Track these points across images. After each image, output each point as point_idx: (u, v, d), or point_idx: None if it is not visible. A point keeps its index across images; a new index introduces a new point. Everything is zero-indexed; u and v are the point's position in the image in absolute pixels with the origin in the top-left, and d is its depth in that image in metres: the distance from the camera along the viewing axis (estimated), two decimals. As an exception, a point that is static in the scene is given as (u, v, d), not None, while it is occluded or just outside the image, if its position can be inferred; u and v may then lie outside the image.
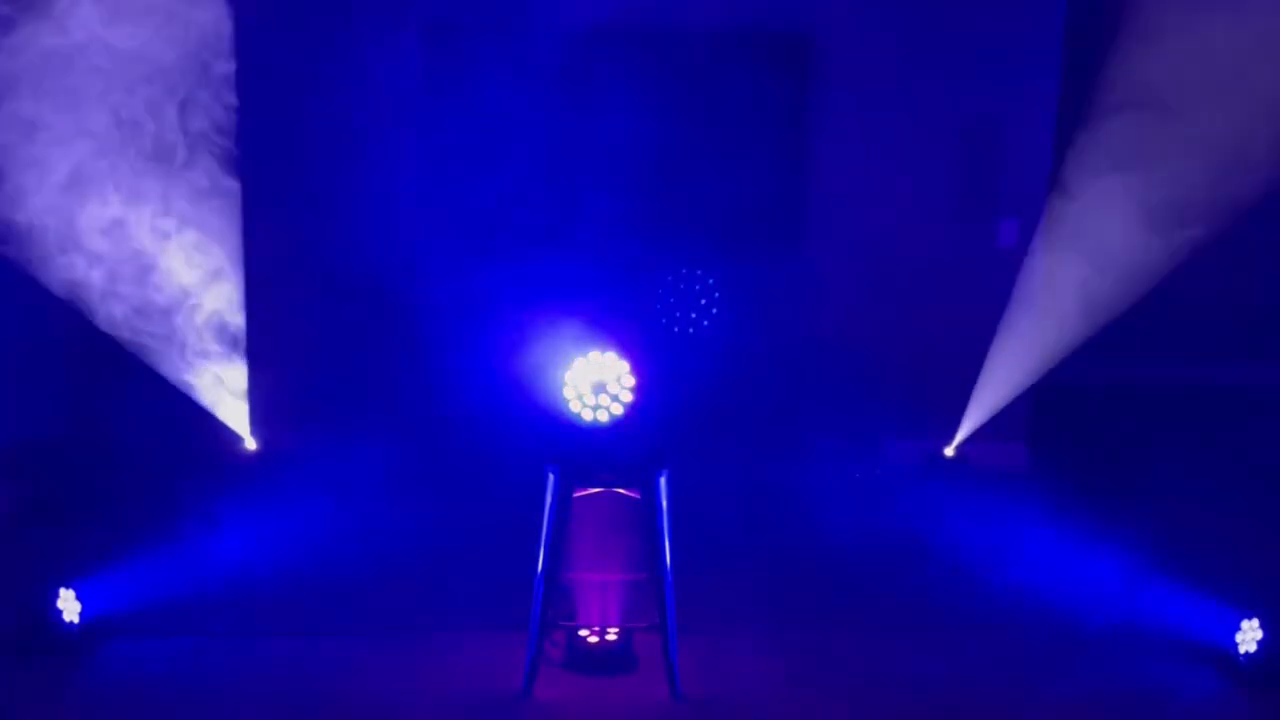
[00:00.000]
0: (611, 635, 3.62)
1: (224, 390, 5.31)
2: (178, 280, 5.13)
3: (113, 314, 5.03)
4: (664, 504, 3.51)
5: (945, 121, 5.39)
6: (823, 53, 5.33)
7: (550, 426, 3.44)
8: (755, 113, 5.33)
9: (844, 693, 3.57)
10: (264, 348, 5.38)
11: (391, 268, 5.19)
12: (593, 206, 5.15)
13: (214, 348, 5.25)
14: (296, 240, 5.36)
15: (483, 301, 5.00)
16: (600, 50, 5.16)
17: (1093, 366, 5.44)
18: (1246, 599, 3.78)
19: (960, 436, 5.50)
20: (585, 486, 3.51)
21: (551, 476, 3.49)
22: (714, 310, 4.01)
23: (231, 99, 5.12)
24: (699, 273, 4.05)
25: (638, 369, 3.40)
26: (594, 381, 3.38)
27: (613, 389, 3.39)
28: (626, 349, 3.42)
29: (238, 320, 5.30)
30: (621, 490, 3.52)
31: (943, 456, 5.52)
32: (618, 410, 3.39)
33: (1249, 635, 3.68)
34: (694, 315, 4.01)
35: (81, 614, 3.75)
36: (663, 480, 3.50)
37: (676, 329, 4.02)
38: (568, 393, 3.39)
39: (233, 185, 5.17)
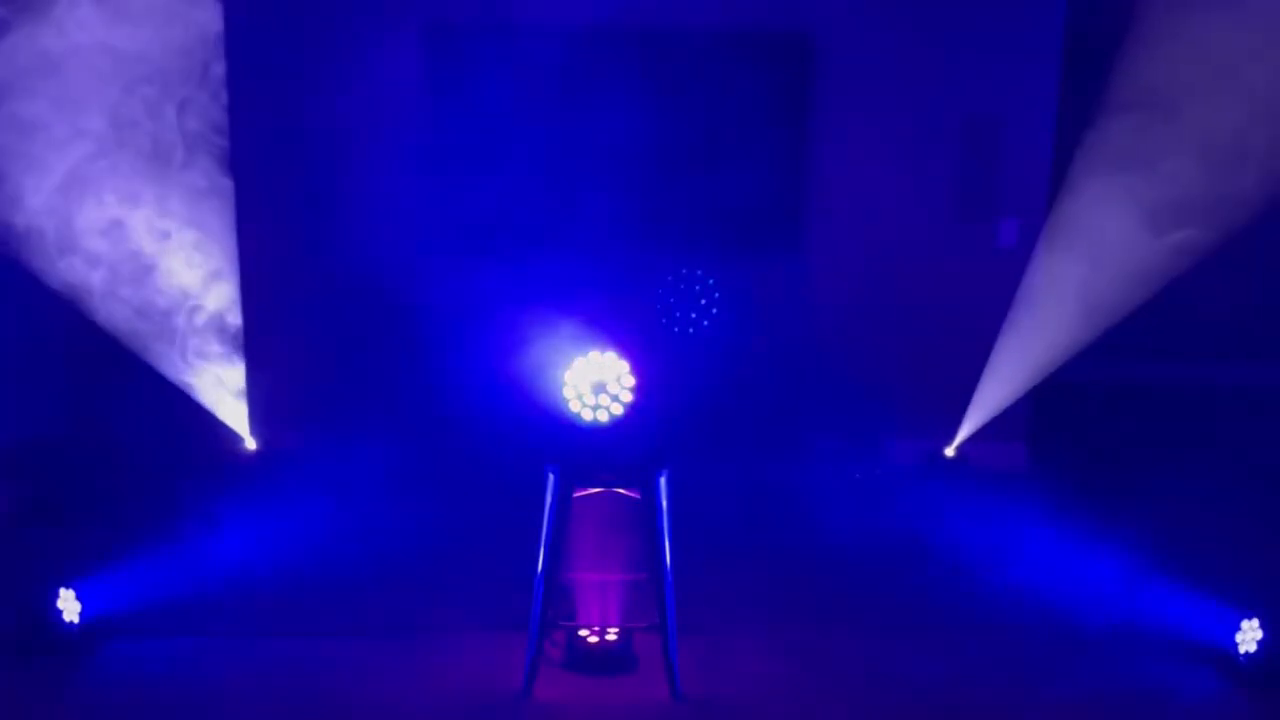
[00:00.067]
0: (611, 635, 3.62)
1: (224, 390, 5.32)
2: (177, 280, 5.13)
3: (113, 314, 5.03)
4: (664, 504, 3.51)
5: (945, 121, 5.39)
6: (823, 52, 5.33)
7: (550, 426, 3.44)
8: (755, 112, 5.33)
9: (844, 693, 3.57)
10: (264, 348, 5.39)
11: (391, 267, 5.19)
12: (592, 206, 5.15)
13: (214, 348, 5.26)
14: (297, 240, 5.36)
15: (483, 301, 5.00)
16: (600, 50, 5.16)
17: (1093, 366, 5.44)
18: (1246, 599, 3.78)
19: (961, 437, 5.50)
20: (585, 486, 3.51)
21: (551, 476, 3.49)
22: (714, 310, 4.02)
23: (238, 100, 5.13)
24: (699, 273, 4.05)
25: (638, 369, 3.40)
26: (594, 381, 3.38)
27: (613, 389, 3.39)
28: (626, 349, 3.42)
29: (237, 320, 5.30)
30: (621, 490, 3.52)
31: (943, 456, 5.52)
32: (618, 410, 3.39)
33: (1249, 635, 3.68)
34: (694, 315, 4.02)
35: (81, 614, 3.75)
36: (663, 480, 3.50)
37: (676, 329, 4.02)
38: (567, 393, 3.39)
39: (232, 185, 5.18)
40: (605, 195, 5.14)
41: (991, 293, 5.42)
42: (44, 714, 3.40)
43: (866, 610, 4.14)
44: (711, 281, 4.05)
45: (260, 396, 5.40)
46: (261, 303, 5.36)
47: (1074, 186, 5.21)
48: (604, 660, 3.64)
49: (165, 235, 5.08)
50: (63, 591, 3.72)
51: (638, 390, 3.40)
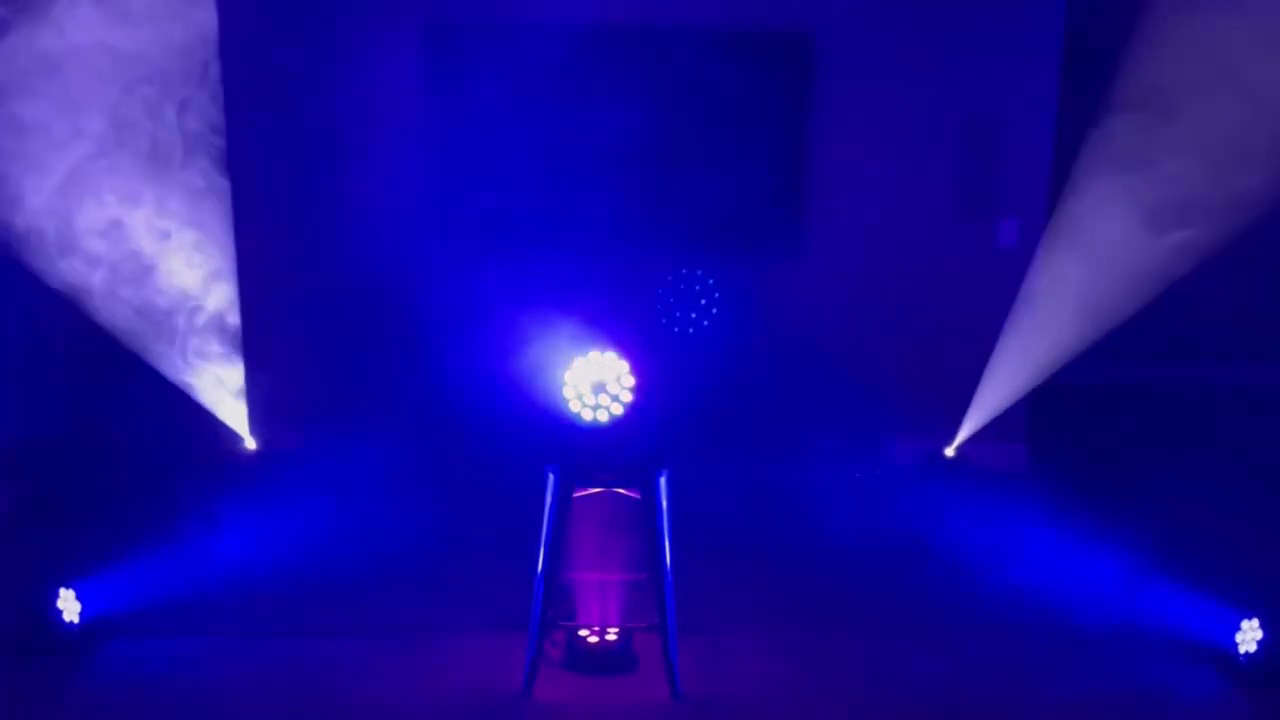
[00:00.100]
0: (611, 635, 3.62)
1: (224, 390, 5.32)
2: (177, 280, 5.13)
3: (113, 314, 5.03)
4: (664, 504, 3.51)
5: (945, 121, 5.39)
6: (822, 52, 5.33)
7: (550, 426, 3.44)
8: (755, 112, 5.34)
9: (844, 693, 3.57)
10: (263, 347, 5.39)
11: (391, 267, 5.18)
12: (592, 206, 5.15)
13: (214, 348, 5.26)
14: (297, 240, 5.37)
15: (483, 301, 5.00)
16: (600, 50, 5.16)
17: (1093, 366, 5.44)
18: (1246, 599, 3.78)
19: (961, 437, 5.50)
20: (585, 486, 3.51)
21: (551, 476, 3.49)
22: (714, 310, 4.02)
23: (235, 100, 5.13)
24: (699, 273, 4.05)
25: (638, 369, 3.40)
26: (594, 381, 3.38)
27: (613, 389, 3.39)
28: (626, 349, 3.42)
29: (237, 320, 5.30)
30: (621, 490, 3.52)
31: (943, 456, 5.52)
32: (618, 410, 3.39)
33: (1249, 635, 3.68)
34: (694, 315, 4.01)
35: (81, 614, 3.75)
36: (663, 480, 3.50)
37: (676, 329, 4.02)
38: (567, 393, 3.39)
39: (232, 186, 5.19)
40: (605, 195, 5.14)
41: (991, 293, 5.42)
42: (44, 714, 3.40)
43: (866, 610, 4.14)
44: (711, 281, 4.04)
45: (260, 396, 5.40)
46: (261, 302, 5.36)
47: (1075, 187, 5.20)
48: (604, 660, 3.63)
49: (165, 235, 5.08)
50: (63, 591, 3.72)
51: (638, 390, 3.40)
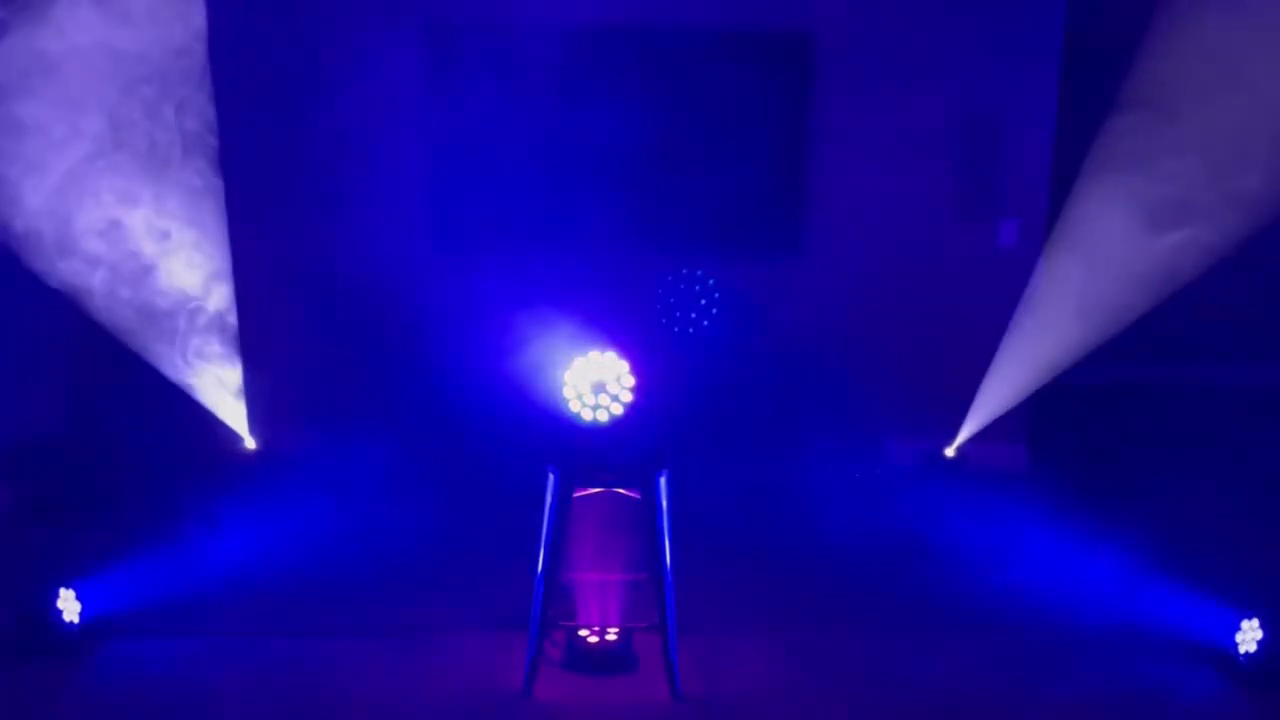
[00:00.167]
0: (611, 635, 3.63)
1: (224, 390, 5.31)
2: (177, 280, 5.13)
3: (113, 314, 5.03)
4: (664, 504, 3.51)
5: (945, 121, 5.39)
6: (822, 52, 5.33)
7: (550, 426, 3.44)
8: (755, 112, 5.34)
9: (844, 693, 3.57)
10: (262, 347, 5.38)
11: (391, 267, 5.19)
12: (592, 206, 5.15)
13: (214, 348, 5.25)
14: (297, 240, 5.36)
15: (482, 301, 5.00)
16: (600, 50, 5.16)
17: (1093, 367, 5.44)
18: (1246, 599, 3.78)
19: (961, 437, 5.50)
20: (585, 486, 3.51)
21: (551, 476, 3.49)
22: (714, 310, 4.02)
23: (230, 99, 5.13)
24: (699, 273, 4.05)
25: (637, 369, 3.40)
26: (594, 381, 3.38)
27: (613, 389, 3.39)
28: (626, 349, 3.42)
29: (236, 320, 5.30)
30: (621, 490, 3.52)
31: (943, 456, 5.52)
32: (618, 410, 3.39)
33: (1249, 635, 3.68)
34: (694, 315, 4.02)
35: (81, 614, 3.75)
36: (663, 480, 3.50)
37: (676, 329, 4.02)
38: (567, 393, 3.39)
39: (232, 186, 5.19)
40: (605, 195, 5.14)
41: (991, 293, 5.42)
42: (44, 714, 3.40)
43: (866, 610, 4.14)
44: (711, 281, 4.04)
45: (259, 396, 5.39)
46: (261, 302, 5.36)
47: (1075, 187, 5.20)
48: (604, 660, 3.63)
49: (164, 235, 5.08)
50: (63, 591, 3.72)
51: (637, 390, 3.40)
